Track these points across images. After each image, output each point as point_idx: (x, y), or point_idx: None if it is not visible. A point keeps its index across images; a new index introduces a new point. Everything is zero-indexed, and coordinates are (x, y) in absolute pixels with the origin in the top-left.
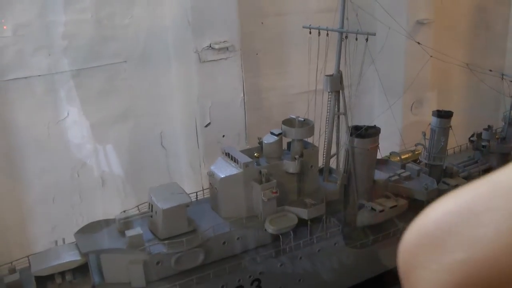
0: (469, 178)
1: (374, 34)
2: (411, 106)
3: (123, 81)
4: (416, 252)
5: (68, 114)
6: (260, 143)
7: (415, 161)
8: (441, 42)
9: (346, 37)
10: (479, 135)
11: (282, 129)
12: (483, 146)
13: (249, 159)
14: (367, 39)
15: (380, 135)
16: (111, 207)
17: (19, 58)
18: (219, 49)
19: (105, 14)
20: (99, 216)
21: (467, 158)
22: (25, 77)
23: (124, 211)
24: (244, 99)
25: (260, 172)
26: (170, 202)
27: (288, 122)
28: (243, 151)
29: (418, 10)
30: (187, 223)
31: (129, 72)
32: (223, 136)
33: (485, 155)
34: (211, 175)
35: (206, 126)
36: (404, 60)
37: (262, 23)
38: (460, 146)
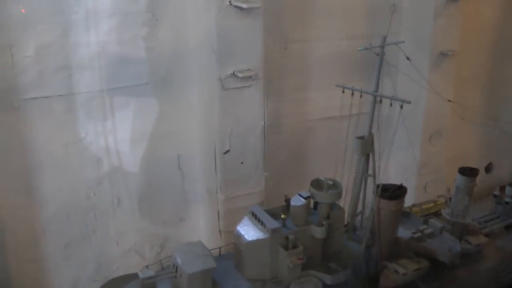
0: (490, 235)
1: (410, 102)
2: (430, 137)
3: (143, 103)
4: None
5: (86, 134)
6: (287, 200)
7: (437, 213)
8: (463, 76)
9: (381, 101)
10: (502, 189)
11: (310, 191)
12: (507, 203)
13: (277, 224)
14: (401, 106)
15: (399, 165)
16: (125, 226)
17: (40, 77)
18: (242, 78)
19: (129, 36)
20: (113, 235)
21: (489, 212)
22: (45, 97)
23: (147, 267)
24: (264, 127)
25: (287, 237)
26: (196, 265)
27: (316, 184)
28: (269, 210)
29: (442, 41)
30: (211, 286)
31: (151, 94)
32: (242, 163)
33: (507, 211)
34: (237, 236)
35: (225, 153)
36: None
37: (286, 48)
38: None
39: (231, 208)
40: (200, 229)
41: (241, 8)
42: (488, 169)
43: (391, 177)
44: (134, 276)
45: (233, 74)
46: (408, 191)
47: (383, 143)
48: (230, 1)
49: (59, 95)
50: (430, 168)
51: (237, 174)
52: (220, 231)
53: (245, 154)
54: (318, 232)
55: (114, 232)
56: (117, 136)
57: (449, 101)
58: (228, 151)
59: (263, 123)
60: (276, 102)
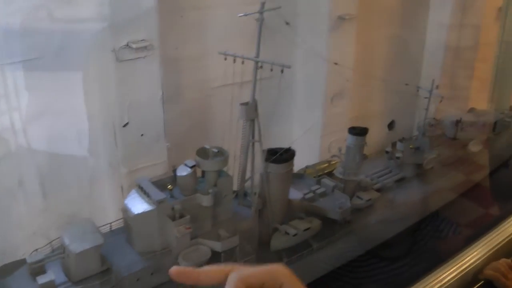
0: (382, 189)
1: (290, 67)
2: (332, 99)
3: (38, 78)
4: None
5: None
6: (174, 171)
7: (331, 173)
8: (363, 40)
9: (261, 67)
10: (394, 146)
11: (195, 160)
12: (397, 157)
13: (162, 195)
14: (282, 71)
15: (303, 128)
16: (28, 209)
17: None
18: (137, 48)
19: (17, 7)
20: (15, 219)
21: (382, 167)
22: None
23: (37, 250)
24: (163, 97)
25: (173, 208)
26: (83, 244)
27: (202, 152)
28: (157, 182)
29: (339, 5)
30: (100, 263)
31: (45, 69)
32: (142, 135)
33: (399, 166)
34: (124, 210)
35: (124, 126)
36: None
37: (181, 16)
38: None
39: (135, 181)
40: (106, 204)
41: None
42: (390, 126)
43: (296, 140)
44: (23, 261)
45: (127, 45)
46: (313, 152)
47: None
48: None
49: None
50: (333, 128)
51: (138, 147)
52: None
53: (145, 126)
54: (205, 200)
55: (16, 216)
56: (12, 114)
57: (335, 63)
58: (127, 124)
59: (161, 93)
60: (175, 72)
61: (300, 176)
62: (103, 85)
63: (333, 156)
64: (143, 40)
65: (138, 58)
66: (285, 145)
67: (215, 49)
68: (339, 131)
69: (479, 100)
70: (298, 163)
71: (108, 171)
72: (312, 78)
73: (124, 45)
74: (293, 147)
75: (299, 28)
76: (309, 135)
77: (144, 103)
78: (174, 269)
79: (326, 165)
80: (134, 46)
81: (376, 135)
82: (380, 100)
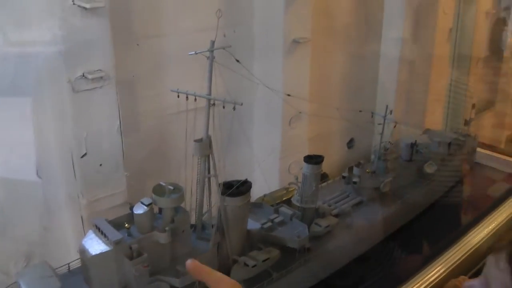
0: (340, 215)
1: (241, 104)
2: (289, 121)
3: None
4: None
5: None
6: (131, 208)
7: (289, 200)
8: (319, 62)
9: (214, 104)
10: (350, 170)
11: (152, 198)
12: (354, 182)
13: (119, 236)
14: (234, 108)
15: (264, 151)
16: None
17: None
18: (93, 79)
19: None
20: None
21: (340, 192)
22: None
23: None
24: (120, 127)
25: (131, 247)
26: None
27: (158, 190)
28: (113, 221)
29: (294, 29)
30: None
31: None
32: (100, 165)
33: (356, 190)
34: (82, 251)
35: (82, 157)
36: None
37: (137, 44)
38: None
39: (94, 211)
40: (67, 236)
41: (85, 8)
42: (349, 144)
43: (256, 167)
44: None
45: (83, 75)
46: (273, 174)
47: (225, 143)
48: (73, 1)
49: None
50: (292, 150)
51: (97, 177)
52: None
53: (103, 156)
54: (162, 237)
55: None
56: None
57: (288, 95)
58: (85, 154)
59: (118, 122)
60: (132, 100)
61: (258, 205)
62: (60, 116)
63: (290, 183)
64: (99, 70)
65: (95, 88)
66: (246, 171)
67: (172, 75)
68: (299, 153)
69: (435, 111)
70: (260, 187)
71: (68, 202)
72: (270, 102)
73: (80, 76)
74: (254, 172)
75: (256, 51)
76: (269, 158)
77: (101, 133)
78: (192, 263)
79: (284, 192)
80: (90, 76)
81: (336, 153)
82: (339, 119)
